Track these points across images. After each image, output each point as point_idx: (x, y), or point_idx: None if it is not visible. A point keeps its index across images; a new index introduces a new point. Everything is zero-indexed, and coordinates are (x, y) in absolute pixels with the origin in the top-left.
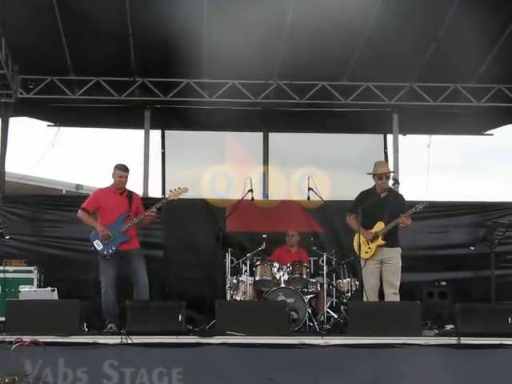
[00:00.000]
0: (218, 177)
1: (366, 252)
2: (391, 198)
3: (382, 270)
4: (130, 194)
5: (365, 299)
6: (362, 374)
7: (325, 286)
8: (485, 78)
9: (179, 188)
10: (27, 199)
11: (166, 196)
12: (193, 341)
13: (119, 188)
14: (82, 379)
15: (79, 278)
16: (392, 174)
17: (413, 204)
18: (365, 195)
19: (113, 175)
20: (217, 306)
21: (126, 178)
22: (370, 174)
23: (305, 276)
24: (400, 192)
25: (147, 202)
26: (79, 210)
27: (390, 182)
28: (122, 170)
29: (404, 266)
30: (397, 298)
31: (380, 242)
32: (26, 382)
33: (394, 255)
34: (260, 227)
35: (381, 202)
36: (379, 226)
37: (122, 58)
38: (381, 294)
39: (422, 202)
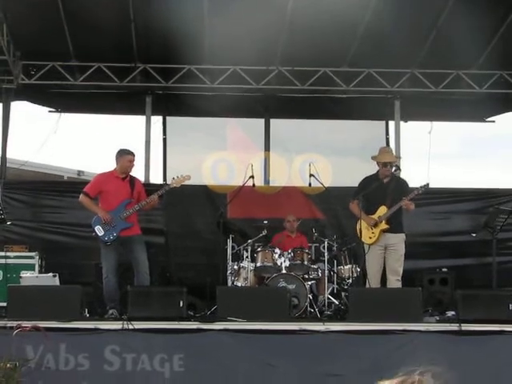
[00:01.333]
0: (220, 163)
1: (370, 237)
2: (394, 184)
3: (386, 255)
4: (132, 180)
5: (367, 285)
6: (363, 360)
7: (326, 272)
8: (486, 65)
9: (182, 175)
10: (29, 185)
11: (169, 183)
12: (194, 327)
13: (124, 172)
14: (84, 365)
15: (81, 263)
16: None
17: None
18: (368, 181)
19: (119, 160)
20: (218, 292)
21: (134, 162)
22: (374, 159)
23: (306, 262)
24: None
25: (149, 188)
26: (81, 195)
27: (392, 169)
28: (131, 154)
29: (405, 252)
30: (399, 285)
31: (383, 226)
32: (28, 367)
33: (398, 241)
34: (261, 213)
35: (383, 188)
36: (382, 211)
37: (123, 44)
38: (382, 281)
39: (423, 184)
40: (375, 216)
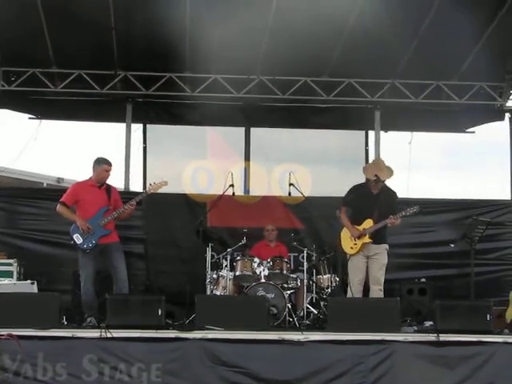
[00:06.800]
0: (200, 171)
1: (351, 247)
2: (383, 196)
3: (369, 265)
4: (109, 188)
5: (349, 294)
6: (341, 369)
7: (305, 281)
8: (466, 76)
9: (159, 181)
10: (7, 192)
11: (146, 189)
12: (172, 335)
13: (100, 182)
14: (62, 374)
15: (59, 271)
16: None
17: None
18: (357, 190)
19: (95, 169)
20: (197, 301)
21: (111, 172)
22: (368, 174)
23: (285, 271)
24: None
25: (128, 196)
26: (58, 205)
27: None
28: (108, 164)
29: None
30: (381, 295)
31: (366, 239)
32: (6, 376)
33: (381, 251)
34: (241, 222)
35: (372, 199)
36: (368, 224)
37: (104, 51)
38: (364, 290)
39: (413, 206)
40: (360, 228)
